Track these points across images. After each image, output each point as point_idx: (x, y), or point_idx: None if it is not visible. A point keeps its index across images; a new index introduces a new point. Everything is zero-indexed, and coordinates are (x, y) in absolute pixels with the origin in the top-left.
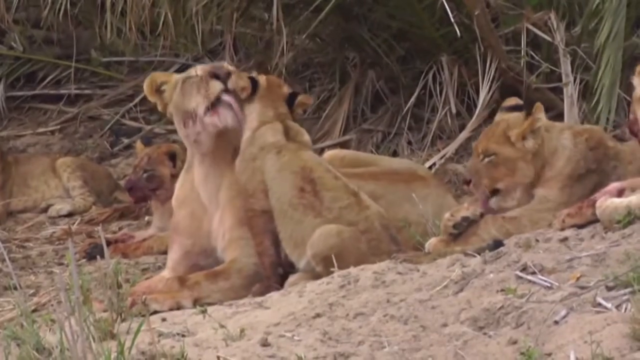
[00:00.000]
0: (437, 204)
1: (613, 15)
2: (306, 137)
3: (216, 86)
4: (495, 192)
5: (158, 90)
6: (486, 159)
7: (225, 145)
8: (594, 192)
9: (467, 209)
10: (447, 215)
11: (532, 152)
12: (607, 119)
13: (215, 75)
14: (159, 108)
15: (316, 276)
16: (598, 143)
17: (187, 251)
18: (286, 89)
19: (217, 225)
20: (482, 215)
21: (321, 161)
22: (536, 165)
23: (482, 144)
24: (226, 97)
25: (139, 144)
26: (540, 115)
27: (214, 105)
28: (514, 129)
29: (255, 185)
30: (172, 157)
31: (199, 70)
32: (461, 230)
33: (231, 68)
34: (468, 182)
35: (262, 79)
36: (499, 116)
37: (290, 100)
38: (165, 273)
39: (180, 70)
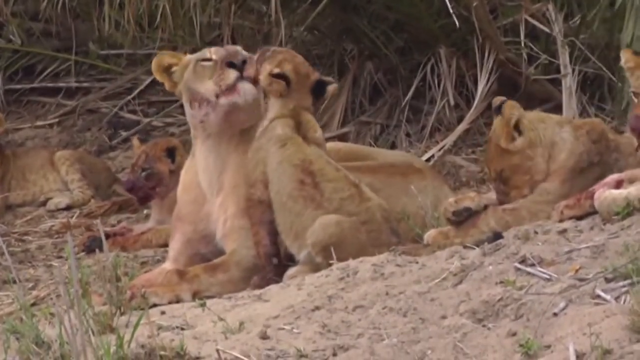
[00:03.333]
0: (434, 196)
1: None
2: (318, 133)
3: (231, 75)
4: (525, 196)
5: (166, 71)
6: (500, 178)
7: (232, 129)
8: (595, 184)
9: (472, 199)
10: (451, 200)
11: (527, 146)
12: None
13: (231, 64)
14: (167, 87)
15: (315, 269)
16: (600, 136)
17: (189, 238)
18: (314, 77)
19: (218, 210)
20: (486, 207)
21: (322, 154)
22: (543, 155)
23: (490, 169)
24: (243, 83)
25: (135, 142)
26: (512, 111)
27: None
28: (500, 137)
29: (257, 175)
30: (171, 152)
31: (213, 54)
32: (460, 220)
33: (247, 55)
34: (502, 203)
35: (290, 71)
36: (495, 121)
37: (318, 87)
38: (166, 265)
39: None
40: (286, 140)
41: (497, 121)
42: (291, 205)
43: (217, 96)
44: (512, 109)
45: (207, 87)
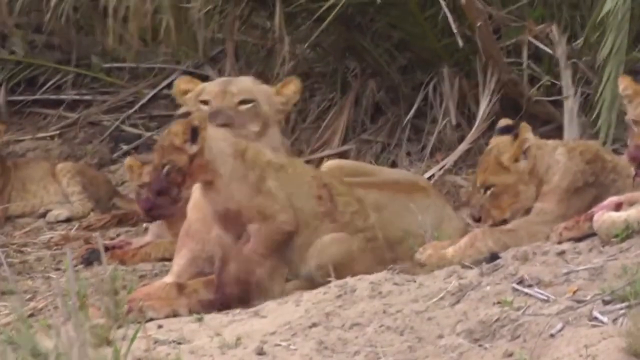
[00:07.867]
0: (436, 215)
1: (616, 30)
2: None
3: None
4: (504, 221)
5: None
6: (488, 192)
7: None
8: (592, 205)
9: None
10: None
11: (527, 172)
12: (607, 134)
13: None
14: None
15: (312, 285)
16: (595, 156)
17: (195, 257)
18: None
19: None
20: None
21: (317, 170)
22: (535, 184)
23: (479, 177)
24: None
25: (134, 162)
26: (528, 135)
27: None
28: (505, 153)
29: (283, 201)
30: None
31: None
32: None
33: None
34: (478, 220)
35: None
36: (492, 139)
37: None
38: (167, 278)
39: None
40: (277, 162)
41: (502, 138)
42: (311, 222)
43: None
44: (529, 132)
45: None
